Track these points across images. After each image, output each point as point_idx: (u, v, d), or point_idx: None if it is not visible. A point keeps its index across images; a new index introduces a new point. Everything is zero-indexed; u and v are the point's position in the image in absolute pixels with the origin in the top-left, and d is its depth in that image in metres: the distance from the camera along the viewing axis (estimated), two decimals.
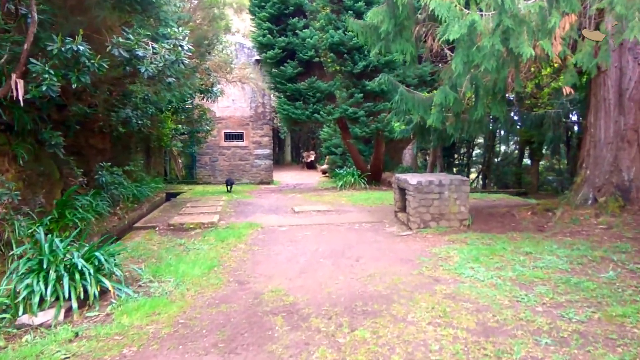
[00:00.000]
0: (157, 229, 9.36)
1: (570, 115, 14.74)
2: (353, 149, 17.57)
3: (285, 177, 25.63)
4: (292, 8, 16.07)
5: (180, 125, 16.57)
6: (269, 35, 15.93)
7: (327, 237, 8.46)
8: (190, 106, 14.53)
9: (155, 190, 14.25)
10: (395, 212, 10.00)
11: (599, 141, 8.53)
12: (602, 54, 6.77)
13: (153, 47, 7.22)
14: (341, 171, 17.87)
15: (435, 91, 10.28)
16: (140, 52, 6.94)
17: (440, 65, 13.86)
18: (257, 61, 18.95)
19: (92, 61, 6.37)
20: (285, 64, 16.00)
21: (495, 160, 37.06)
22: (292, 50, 16.13)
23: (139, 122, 11.32)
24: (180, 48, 7.36)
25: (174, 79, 7.88)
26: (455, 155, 38.24)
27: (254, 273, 6.19)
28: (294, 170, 32.00)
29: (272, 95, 19.87)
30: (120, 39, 6.77)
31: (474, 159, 41.21)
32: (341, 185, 16.39)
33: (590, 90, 8.82)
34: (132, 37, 6.91)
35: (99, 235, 8.41)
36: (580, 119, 14.02)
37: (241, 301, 5.12)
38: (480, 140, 36.76)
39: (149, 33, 7.29)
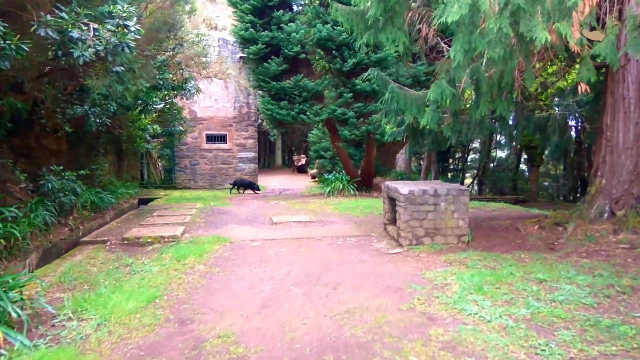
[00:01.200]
0: (108, 243, 8.11)
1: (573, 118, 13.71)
2: (342, 152, 16.40)
3: (274, 182, 24.39)
4: (276, 0, 14.89)
5: (155, 126, 15.33)
6: (252, 29, 14.73)
7: (304, 255, 7.25)
8: (162, 105, 13.30)
9: (124, 197, 12.98)
10: (385, 224, 8.81)
11: (617, 146, 7.39)
12: (631, 42, 5.62)
13: (95, 29, 6.01)
14: (330, 176, 16.68)
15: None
16: (74, 34, 5.72)
17: (436, 63, 12.76)
18: (242, 58, 17.77)
19: (7, 42, 5.17)
20: (269, 61, 14.81)
21: (491, 165, 36.09)
22: (277, 46, 14.94)
23: (98, 120, 10.09)
24: (125, 29, 6.16)
25: (121, 68, 6.66)
26: (450, 160, 37.19)
27: (203, 307, 4.97)
28: (283, 175, 30.75)
29: (257, 95, 18.68)
30: (49, 17, 5.57)
31: (468, 163, 40.22)
32: (329, 192, 15.20)
33: (606, 88, 7.69)
34: (66, 17, 5.71)
35: (38, 252, 7.18)
36: (583, 122, 12.94)
37: (174, 353, 3.89)
38: (476, 144, 35.83)
39: (90, 12, 6.07)
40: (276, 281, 5.86)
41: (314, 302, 5.03)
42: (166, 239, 8.26)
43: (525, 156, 32.21)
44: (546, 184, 32.98)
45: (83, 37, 5.82)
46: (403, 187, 7.57)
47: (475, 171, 40.08)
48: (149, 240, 8.18)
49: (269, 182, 23.69)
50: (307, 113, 14.77)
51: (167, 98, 14.17)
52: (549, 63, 8.20)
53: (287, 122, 15.25)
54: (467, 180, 39.91)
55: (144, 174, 18.95)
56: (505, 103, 6.58)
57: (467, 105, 7.57)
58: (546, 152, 18.63)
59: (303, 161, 33.60)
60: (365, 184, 16.58)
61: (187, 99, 13.26)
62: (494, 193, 27.97)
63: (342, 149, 16.29)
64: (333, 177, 16.06)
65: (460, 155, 37.63)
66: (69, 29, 5.70)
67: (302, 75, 14.87)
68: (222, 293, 5.43)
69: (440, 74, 7.11)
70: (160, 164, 20.54)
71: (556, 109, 12.34)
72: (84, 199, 9.89)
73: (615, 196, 7.39)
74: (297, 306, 4.93)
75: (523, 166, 36.96)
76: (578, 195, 24.97)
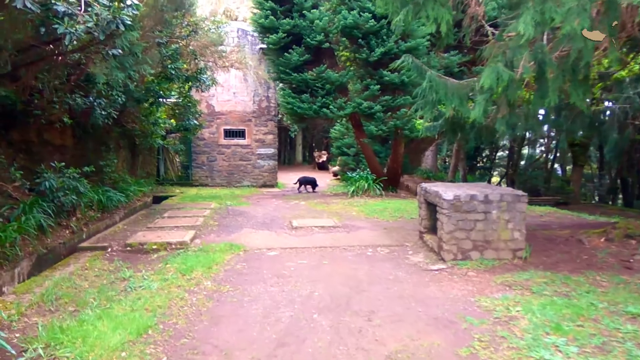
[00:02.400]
0: (109, 250, 7.21)
1: None
2: (367, 149, 15.28)
3: (293, 179, 23.40)
4: None
5: (170, 120, 14.46)
6: (272, 17, 13.70)
7: (328, 269, 6.21)
8: (176, 98, 12.41)
9: (137, 194, 12.12)
10: (421, 233, 7.71)
11: None
12: None
13: (86, 2, 5.07)
14: (353, 175, 15.59)
15: (476, 77, 8.01)
16: (60, 6, 4.77)
17: (482, 47, 11.59)
18: (262, 50, 16.80)
19: None
20: (290, 51, 13.77)
21: (521, 163, 34.38)
22: (299, 35, 13.88)
23: (104, 112, 9.21)
24: (121, 3, 5.19)
25: (119, 51, 5.71)
26: (478, 158, 35.60)
27: (205, 343, 3.96)
28: (304, 172, 29.68)
29: (277, 88, 17.68)
30: None
31: (497, 161, 38.54)
32: (353, 192, 14.11)
33: None
34: None
35: (31, 260, 6.31)
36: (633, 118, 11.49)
37: None
38: (504, 141, 34.13)
39: None
40: (296, 306, 4.83)
41: (344, 340, 3.98)
42: (173, 246, 7.32)
43: (557, 154, 30.65)
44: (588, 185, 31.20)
45: (70, 12, 4.87)
46: (446, 191, 6.46)
47: (503, 169, 38.50)
48: (154, 247, 7.25)
49: (289, 178, 22.69)
50: (331, 107, 13.69)
51: (181, 90, 13.27)
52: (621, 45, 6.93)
53: (308, 116, 14.21)
54: (495, 179, 38.28)
55: (161, 170, 18.16)
56: (580, 90, 5.40)
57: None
58: (591, 149, 17.12)
59: (324, 157, 32.59)
60: (391, 184, 15.44)
61: (202, 90, 12.30)
62: (529, 194, 26.41)
63: (367, 146, 15.18)
64: (357, 176, 14.96)
65: (488, 152, 36.05)
66: (53, 1, 4.76)
67: (325, 66, 13.79)
68: (230, 322, 4.42)
69: (491, 58, 5.95)
70: (177, 160, 19.74)
71: (607, 103, 11.01)
72: (88, 198, 9.03)
73: None
74: (322, 346, 3.89)
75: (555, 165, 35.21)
76: (619, 196, 23.36)
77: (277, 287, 5.49)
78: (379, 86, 13.53)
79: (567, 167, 31.59)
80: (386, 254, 7.07)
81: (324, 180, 22.44)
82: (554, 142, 30.65)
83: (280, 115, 20.81)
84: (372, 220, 9.96)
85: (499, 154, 37.82)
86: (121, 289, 5.36)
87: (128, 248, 7.26)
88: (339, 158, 23.21)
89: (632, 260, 6.04)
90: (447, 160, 34.77)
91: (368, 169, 15.87)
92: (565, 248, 6.81)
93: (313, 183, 16.76)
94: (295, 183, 17.20)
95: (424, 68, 8.22)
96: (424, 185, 7.58)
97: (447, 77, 7.80)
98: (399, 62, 8.32)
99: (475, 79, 7.89)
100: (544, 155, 33.35)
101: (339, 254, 7.03)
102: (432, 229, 7.54)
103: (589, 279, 5.38)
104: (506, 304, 4.70)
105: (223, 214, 10.64)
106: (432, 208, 7.50)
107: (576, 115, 8.01)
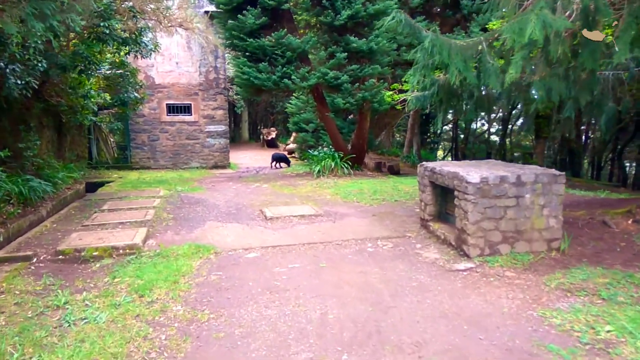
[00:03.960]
0: (34, 261, 5.48)
1: None
2: (332, 125, 13.93)
3: (244, 158, 21.71)
4: None
5: (104, 94, 12.32)
6: None
7: (331, 276, 4.89)
8: (110, 67, 10.40)
9: (67, 182, 10.13)
10: (425, 221, 6.54)
11: None
12: None
13: None
14: (315, 152, 14.23)
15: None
16: None
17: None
18: (209, 13, 14.82)
19: None
20: (244, 12, 12.01)
21: (462, 136, 34.54)
22: None
23: (20, 82, 7.25)
24: None
25: None
26: (428, 133, 35.27)
27: None
28: (252, 150, 28.00)
29: (228, 58, 15.83)
30: None
31: (442, 136, 38.58)
32: (319, 171, 12.77)
33: None
34: None
35: None
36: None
37: None
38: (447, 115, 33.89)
39: None
40: (312, 340, 3.49)
41: None
42: (121, 251, 5.70)
43: (500, 127, 30.90)
44: (517, 154, 31.74)
45: None
46: (469, 173, 5.27)
47: (447, 143, 38.60)
48: (95, 253, 5.60)
49: (239, 158, 20.99)
50: (292, 77, 12.15)
51: (116, 56, 11.22)
52: None
53: (267, 88, 12.59)
54: (440, 153, 38.32)
55: (93, 152, 15.90)
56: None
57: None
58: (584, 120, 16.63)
59: (273, 134, 30.98)
60: (356, 161, 14.22)
61: (143, 56, 10.35)
62: None
63: (331, 121, 13.82)
64: (322, 154, 13.62)
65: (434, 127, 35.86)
66: None
67: (285, 31, 12.17)
68: None
69: (534, 3, 4.73)
70: (113, 140, 17.46)
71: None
72: (4, 190, 7.13)
73: None
74: None
75: (494, 137, 35.66)
76: (569, 167, 23.62)
77: (274, 308, 4.10)
78: (345, 54, 12.14)
79: (507, 140, 31.98)
80: (390, 249, 5.84)
81: None
82: (500, 114, 30.97)
83: (230, 89, 18.96)
84: (353, 205, 8.71)
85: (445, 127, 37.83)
86: (54, 326, 3.77)
87: (60, 256, 5.57)
88: (293, 134, 21.76)
89: None
90: (397, 136, 34.28)
91: (331, 146, 14.57)
92: (594, 233, 5.88)
93: (286, 160, 16.99)
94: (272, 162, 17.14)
95: (418, 27, 6.99)
96: (429, 164, 6.39)
97: (447, 38, 6.58)
98: (388, 19, 6.97)
99: (481, 38, 6.74)
100: (486, 127, 33.68)
101: (336, 253, 5.71)
102: (440, 217, 6.41)
103: None
104: (584, 320, 3.61)
105: (177, 203, 8.98)
106: (439, 192, 6.34)
107: (585, 80, 7.02)
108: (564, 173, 5.26)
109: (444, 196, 6.31)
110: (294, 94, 18.29)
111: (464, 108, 7.58)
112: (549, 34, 4.35)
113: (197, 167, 16.39)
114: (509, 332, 3.55)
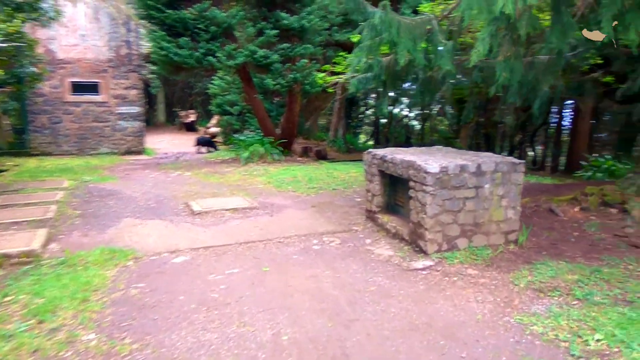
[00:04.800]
0: None
1: None
2: (260, 107, 13.06)
3: (161, 143, 20.09)
4: None
5: None
6: None
7: (277, 282, 4.21)
8: (3, 36, 8.70)
9: None
10: (372, 213, 6.03)
11: None
12: None
13: None
14: (242, 137, 13.33)
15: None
16: None
17: None
18: None
19: None
20: None
21: (383, 121, 35.06)
22: None
23: None
24: None
25: None
26: (352, 117, 35.25)
27: None
28: (170, 134, 26.20)
29: (142, 31, 14.28)
30: None
31: (365, 120, 38.86)
32: (247, 158, 11.90)
33: None
34: None
35: None
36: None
37: None
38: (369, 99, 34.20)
39: None
40: None
41: None
42: (14, 260, 4.60)
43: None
44: (433, 138, 32.80)
45: None
46: (427, 161, 4.80)
47: (369, 127, 38.98)
48: None
49: (155, 143, 19.34)
50: (218, 54, 11.13)
51: (9, 25, 9.50)
52: None
53: (189, 66, 11.44)
54: (362, 137, 38.63)
55: None
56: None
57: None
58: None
59: (192, 117, 29.34)
60: (285, 147, 13.51)
61: (43, 25, 8.80)
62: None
63: (260, 103, 12.96)
64: (250, 139, 12.75)
65: (362, 111, 36.02)
66: None
67: (208, 3, 11.07)
68: None
69: None
70: (8, 122, 15.24)
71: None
72: None
73: None
74: None
75: (414, 122, 36.59)
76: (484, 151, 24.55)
77: (214, 330, 3.35)
78: (276, 31, 11.29)
79: (426, 124, 32.90)
80: (338, 245, 5.26)
81: None
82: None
83: (144, 66, 17.30)
84: (290, 195, 8.04)
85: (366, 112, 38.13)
86: None
87: None
88: (215, 117, 20.49)
89: (627, 235, 5.10)
90: (320, 120, 33.88)
91: (258, 130, 13.72)
92: (544, 222, 5.70)
93: (212, 144, 16.12)
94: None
95: (364, 1, 6.44)
96: (378, 152, 5.85)
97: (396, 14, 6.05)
98: None
99: (431, 16, 6.30)
100: (405, 112, 34.34)
101: (278, 253, 5.03)
102: (388, 208, 5.93)
103: (620, 269, 4.22)
104: (567, 326, 3.25)
105: (84, 196, 7.76)
106: (388, 181, 5.85)
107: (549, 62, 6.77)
108: (523, 161, 4.97)
109: (393, 186, 5.83)
110: (217, 74, 17.14)
111: (411, 93, 7.12)
112: (521, 7, 3.93)
113: (107, 153, 14.76)
114: (491, 346, 3.10)
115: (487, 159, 4.91)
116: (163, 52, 11.16)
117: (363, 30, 6.07)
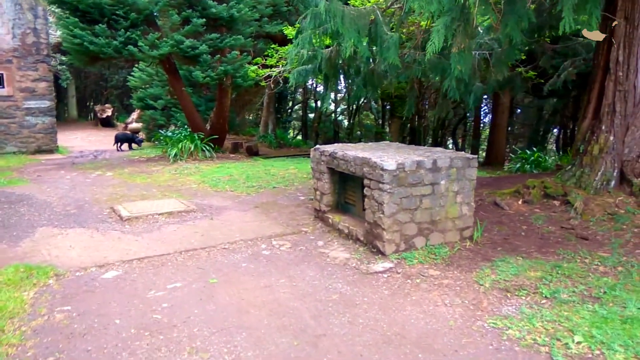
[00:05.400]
0: None
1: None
2: (188, 102, 12.30)
3: (75, 140, 18.47)
4: None
5: None
6: None
7: (229, 297, 3.78)
8: None
9: None
10: (321, 212, 5.72)
11: (632, 91, 5.60)
12: None
13: None
14: (169, 133, 12.50)
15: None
16: None
17: None
18: None
19: None
20: None
21: (311, 116, 35.06)
22: None
23: None
24: None
25: None
26: (281, 111, 34.76)
27: None
28: (84, 130, 24.30)
29: (55, 17, 12.91)
30: None
31: (293, 115, 38.54)
32: (175, 155, 11.14)
33: (614, 10, 5.73)
34: None
35: None
36: None
37: None
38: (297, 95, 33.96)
39: None
40: None
41: None
42: None
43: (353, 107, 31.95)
44: (360, 132, 33.39)
45: None
46: (382, 158, 4.56)
47: (297, 122, 38.74)
48: None
49: (68, 141, 17.72)
50: (139, 44, 10.26)
51: None
52: None
53: (106, 55, 10.47)
54: (291, 132, 38.31)
55: None
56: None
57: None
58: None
59: (109, 112, 27.44)
60: (216, 143, 12.86)
61: None
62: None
63: (187, 97, 12.21)
64: (178, 134, 11.96)
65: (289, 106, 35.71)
66: None
67: None
68: None
69: None
70: None
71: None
72: None
73: (629, 157, 5.67)
74: None
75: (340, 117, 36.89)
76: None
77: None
78: (203, 20, 10.62)
79: (355, 119, 33.29)
80: (289, 250, 4.91)
81: None
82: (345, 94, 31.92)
83: (53, 57, 15.77)
84: (228, 195, 7.54)
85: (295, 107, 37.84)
86: None
87: None
88: (136, 111, 19.21)
89: (574, 228, 5.22)
90: (248, 115, 33.09)
91: (186, 126, 12.94)
92: (491, 217, 5.71)
93: (134, 139, 15.03)
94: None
95: None
96: (327, 148, 5.55)
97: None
98: None
99: (374, 6, 6.10)
100: (333, 107, 34.50)
101: (225, 261, 4.57)
102: (338, 207, 5.66)
103: (578, 263, 4.24)
104: (543, 328, 3.14)
105: None
106: (337, 179, 5.57)
107: (502, 53, 6.77)
108: (476, 156, 4.89)
109: (343, 184, 5.57)
110: (137, 65, 16.02)
111: (352, 87, 6.89)
112: None
113: (14, 153, 13.24)
114: (471, 356, 2.91)
115: (442, 154, 4.78)
116: (77, 41, 10.12)
117: (307, 17, 5.72)
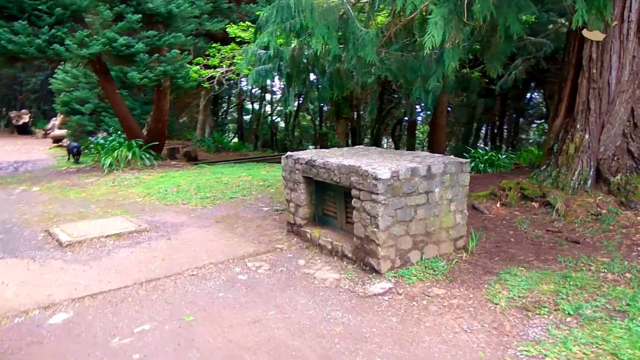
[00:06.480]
0: None
1: None
2: (122, 105, 11.24)
3: None
4: None
5: None
6: None
7: (212, 339, 3.15)
8: None
9: None
10: (297, 226, 5.17)
11: (606, 89, 5.55)
12: None
13: None
14: (101, 140, 11.35)
15: None
16: None
17: None
18: None
19: None
20: None
21: (246, 118, 34.26)
22: None
23: None
24: None
25: None
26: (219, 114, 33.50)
27: None
28: (0, 138, 21.99)
29: None
30: None
31: (228, 118, 37.39)
32: (110, 165, 10.07)
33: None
34: None
35: None
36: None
37: None
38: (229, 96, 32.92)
39: None
40: None
41: None
42: None
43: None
44: (299, 134, 33.11)
45: None
46: (372, 165, 4.10)
47: (232, 125, 37.62)
48: None
49: None
50: (66, 42, 9.15)
51: None
52: None
53: (28, 55, 9.25)
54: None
55: None
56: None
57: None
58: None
59: (26, 118, 25.14)
60: (155, 149, 11.88)
61: None
62: (265, 147, 27.03)
63: (121, 101, 11.16)
64: (111, 142, 10.88)
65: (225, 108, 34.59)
66: None
67: None
68: None
69: None
70: None
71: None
72: None
73: (605, 156, 5.61)
74: None
75: (277, 118, 36.30)
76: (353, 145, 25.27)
77: None
78: (139, 16, 9.68)
79: (291, 121, 32.82)
80: (269, 272, 4.32)
81: (38, 149, 16.50)
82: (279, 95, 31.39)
83: None
84: (181, 208, 6.77)
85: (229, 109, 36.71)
86: None
87: None
88: (59, 116, 17.53)
89: (560, 230, 5.06)
90: (180, 118, 31.60)
91: (120, 132, 11.84)
92: (474, 222, 5.41)
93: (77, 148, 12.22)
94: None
95: None
96: (302, 155, 5.00)
97: None
98: None
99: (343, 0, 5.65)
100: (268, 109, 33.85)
101: (197, 291, 3.90)
102: (316, 220, 5.14)
103: (585, 272, 4.01)
104: (582, 353, 2.81)
105: None
106: (314, 189, 5.05)
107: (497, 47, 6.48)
108: (468, 160, 4.56)
109: (321, 194, 5.06)
110: (61, 66, 14.57)
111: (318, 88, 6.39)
112: None
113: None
114: None
115: (434, 159, 4.41)
116: None
117: (272, 10, 5.16)
